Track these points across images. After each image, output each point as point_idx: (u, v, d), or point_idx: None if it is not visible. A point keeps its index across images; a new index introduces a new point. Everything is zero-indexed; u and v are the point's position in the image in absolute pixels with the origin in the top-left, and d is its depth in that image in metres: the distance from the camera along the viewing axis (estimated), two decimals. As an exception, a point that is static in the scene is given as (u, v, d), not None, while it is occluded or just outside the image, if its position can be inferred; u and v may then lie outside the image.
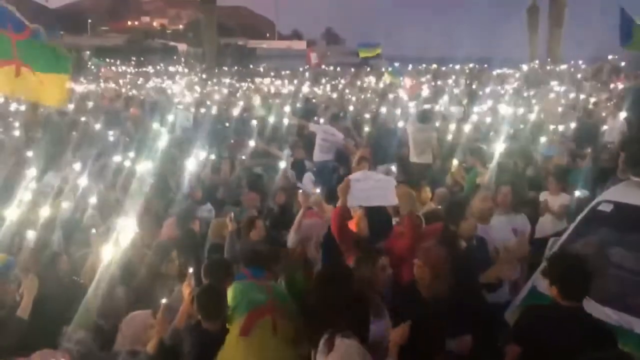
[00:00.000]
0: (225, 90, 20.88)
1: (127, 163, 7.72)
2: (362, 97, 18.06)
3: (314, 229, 4.90)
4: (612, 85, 18.35)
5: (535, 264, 4.56)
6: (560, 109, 12.90)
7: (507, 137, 8.43)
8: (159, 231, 5.47)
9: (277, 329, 3.73)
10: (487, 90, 18.30)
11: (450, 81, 23.42)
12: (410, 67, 28.91)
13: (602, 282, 3.90)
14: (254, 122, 11.32)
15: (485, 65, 30.13)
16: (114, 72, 33.07)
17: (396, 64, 25.39)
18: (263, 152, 9.44)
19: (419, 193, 5.89)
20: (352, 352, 2.97)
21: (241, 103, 14.77)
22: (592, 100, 14.51)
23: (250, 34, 78.48)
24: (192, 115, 12.68)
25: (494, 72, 26.66)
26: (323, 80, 26.45)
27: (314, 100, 16.66)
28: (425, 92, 17.55)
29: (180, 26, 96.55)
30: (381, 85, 22.39)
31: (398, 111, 12.81)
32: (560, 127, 10.37)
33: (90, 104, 15.12)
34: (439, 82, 23.16)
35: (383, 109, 12.76)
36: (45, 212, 5.38)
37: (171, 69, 39.67)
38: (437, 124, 10.10)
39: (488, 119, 11.44)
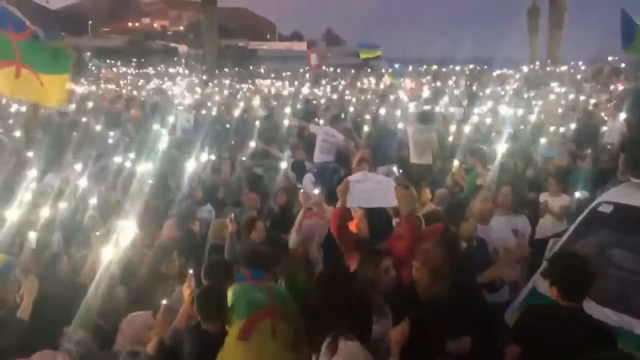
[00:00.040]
0: (225, 92, 20.89)
1: (128, 164, 7.74)
2: (363, 98, 18.04)
3: (315, 229, 4.90)
4: (612, 87, 18.40)
5: (535, 265, 4.56)
6: (560, 110, 12.92)
7: (507, 138, 8.43)
8: (159, 232, 5.47)
9: (277, 333, 3.71)
10: (488, 91, 18.34)
11: (450, 82, 23.44)
12: (410, 68, 28.89)
13: (602, 283, 3.89)
14: (257, 123, 11.32)
15: (486, 67, 30.26)
16: (114, 73, 33.18)
17: (396, 65, 25.42)
18: (263, 153, 9.45)
19: (419, 194, 5.89)
20: (356, 354, 2.96)
21: (241, 104, 14.78)
22: (592, 101, 14.52)
23: (250, 36, 78.51)
24: (192, 117, 12.69)
25: (494, 73, 26.74)
26: (323, 82, 26.46)
27: (314, 102, 16.67)
28: (426, 93, 17.54)
29: (181, 27, 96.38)
30: (381, 86, 22.41)
31: (398, 112, 12.80)
32: (561, 129, 10.39)
33: (91, 105, 15.13)
34: (439, 83, 23.18)
35: (383, 110, 12.74)
36: (45, 213, 5.37)
37: (172, 70, 39.81)
38: (437, 125, 10.10)
39: (488, 120, 11.45)
